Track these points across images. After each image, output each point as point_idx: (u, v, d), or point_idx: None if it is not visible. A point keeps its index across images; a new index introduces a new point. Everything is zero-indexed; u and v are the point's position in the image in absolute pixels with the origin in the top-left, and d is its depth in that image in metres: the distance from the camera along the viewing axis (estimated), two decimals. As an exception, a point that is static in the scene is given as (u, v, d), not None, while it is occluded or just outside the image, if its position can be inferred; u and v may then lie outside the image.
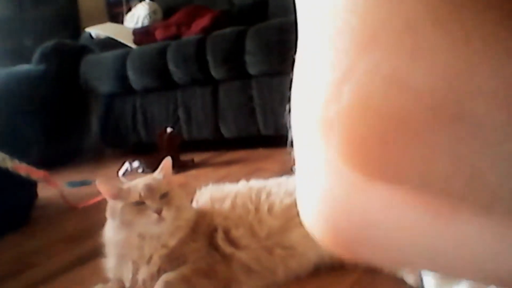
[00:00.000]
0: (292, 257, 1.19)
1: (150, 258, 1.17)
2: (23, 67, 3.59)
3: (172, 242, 1.18)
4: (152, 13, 3.81)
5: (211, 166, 2.83)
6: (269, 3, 3.67)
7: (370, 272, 1.17)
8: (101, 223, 1.24)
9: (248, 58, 2.95)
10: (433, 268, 0.39)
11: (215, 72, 3.09)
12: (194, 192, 1.35)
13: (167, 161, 1.24)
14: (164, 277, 1.12)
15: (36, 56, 3.58)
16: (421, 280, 0.86)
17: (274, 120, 2.96)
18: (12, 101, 3.34)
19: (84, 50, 3.66)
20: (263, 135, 3.04)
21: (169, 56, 3.20)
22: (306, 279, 1.18)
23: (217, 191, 1.33)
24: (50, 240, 1.83)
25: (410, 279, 1.06)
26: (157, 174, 1.23)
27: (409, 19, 0.24)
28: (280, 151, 2.85)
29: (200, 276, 1.13)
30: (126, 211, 1.16)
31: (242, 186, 1.35)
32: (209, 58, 3.07)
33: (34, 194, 2.17)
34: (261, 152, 2.97)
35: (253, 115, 3.03)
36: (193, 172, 2.67)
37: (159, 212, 1.14)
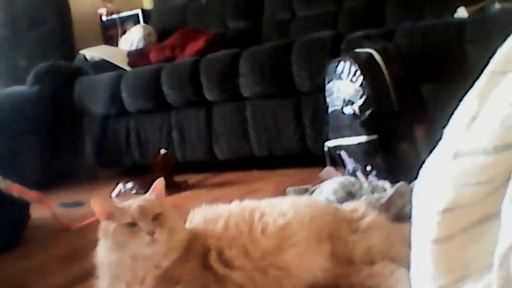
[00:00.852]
0: (286, 278, 1.18)
1: (144, 279, 1.16)
2: (17, 88, 3.60)
3: (165, 263, 1.17)
4: (146, 35, 3.84)
5: (205, 187, 2.83)
6: (263, 27, 3.71)
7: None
8: (94, 244, 1.23)
9: (241, 81, 2.97)
10: None
11: (209, 94, 3.11)
12: (188, 213, 1.35)
13: (160, 182, 1.24)
14: (157, 298, 1.11)
15: (30, 77, 3.59)
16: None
17: (268, 142, 2.98)
18: (6, 122, 3.34)
19: (78, 72, 3.67)
20: (257, 156, 3.05)
21: (164, 78, 3.22)
22: (300, 300, 1.18)
23: (210, 212, 1.32)
24: (43, 261, 1.82)
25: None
26: (150, 195, 1.23)
27: None
28: (274, 172, 2.86)
29: (193, 297, 1.13)
30: (118, 232, 1.16)
31: (235, 206, 1.35)
32: (203, 80, 3.09)
33: (27, 215, 2.16)
34: (255, 173, 2.97)
35: (247, 136, 3.04)
36: (186, 194, 2.67)
37: (151, 234, 1.14)
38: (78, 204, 2.61)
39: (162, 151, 2.84)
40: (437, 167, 0.84)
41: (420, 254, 0.84)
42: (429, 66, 2.37)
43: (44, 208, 2.21)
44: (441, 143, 0.85)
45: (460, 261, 0.77)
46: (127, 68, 3.52)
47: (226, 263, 1.19)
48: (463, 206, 0.77)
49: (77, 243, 1.94)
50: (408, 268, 0.91)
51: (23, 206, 2.13)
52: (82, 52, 3.86)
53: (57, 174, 3.43)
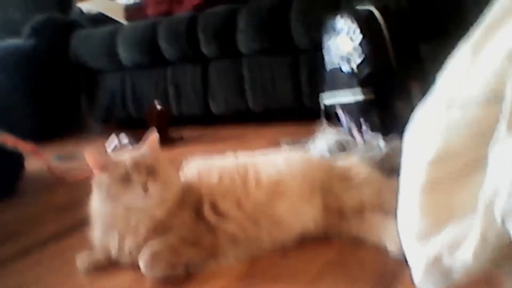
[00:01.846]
0: (278, 228, 1.20)
1: (136, 228, 1.17)
2: (13, 42, 3.56)
3: (159, 214, 1.18)
4: (143, -12, 3.78)
5: (200, 141, 2.83)
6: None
7: (354, 243, 1.18)
8: (88, 195, 1.23)
9: (239, 36, 2.95)
10: None
11: (206, 50, 3.09)
12: (182, 166, 1.35)
13: (154, 135, 1.24)
14: (150, 245, 1.12)
15: (26, 30, 3.55)
16: (403, 250, 0.87)
17: (264, 98, 2.97)
18: (1, 75, 3.32)
19: (74, 25, 3.63)
20: (253, 112, 3.05)
21: (160, 33, 3.19)
22: (291, 249, 1.19)
23: (205, 164, 1.33)
24: (37, 211, 1.83)
25: (393, 250, 1.08)
26: (144, 148, 1.23)
27: None
28: (269, 127, 2.86)
29: (186, 245, 1.14)
30: (112, 185, 1.16)
31: (229, 159, 1.35)
32: (200, 35, 3.07)
33: (21, 167, 2.16)
34: (250, 128, 2.97)
35: (243, 92, 3.03)
36: (181, 148, 2.67)
37: (145, 186, 1.14)
38: (73, 157, 2.61)
39: (158, 105, 2.83)
40: (428, 116, 0.84)
41: (407, 198, 0.85)
42: (429, 24, 2.34)
43: (39, 160, 2.21)
44: (433, 93, 0.85)
45: (446, 204, 0.78)
46: (124, 21, 3.49)
47: (219, 215, 1.20)
48: (452, 155, 0.78)
49: (71, 194, 1.95)
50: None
51: (18, 158, 2.13)
52: (78, 5, 3.82)
53: (52, 128, 3.43)
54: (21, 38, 3.57)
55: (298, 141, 2.04)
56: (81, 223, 1.28)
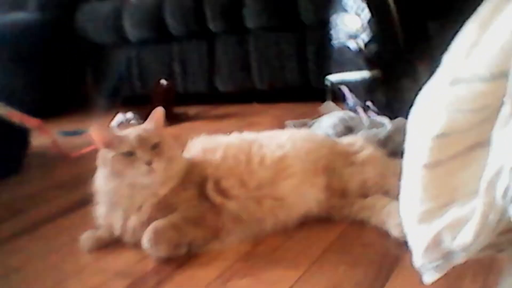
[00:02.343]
0: (281, 208, 1.20)
1: (141, 206, 1.18)
2: (19, 15, 3.54)
3: (163, 191, 1.19)
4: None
5: (205, 119, 2.83)
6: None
7: (357, 225, 1.18)
8: (93, 171, 1.24)
9: (246, 12, 2.92)
10: None
11: (212, 25, 3.06)
12: (186, 143, 1.35)
13: (159, 111, 1.24)
14: (154, 224, 1.13)
15: (32, 3, 3.53)
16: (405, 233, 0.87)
17: (270, 75, 2.95)
18: (7, 49, 3.30)
19: (81, -1, 3.60)
20: (258, 89, 3.03)
21: (167, 7, 3.16)
22: (294, 230, 1.20)
23: (209, 142, 1.33)
24: (42, 187, 1.84)
25: (395, 232, 1.08)
26: (148, 124, 1.23)
27: None
28: (275, 106, 2.85)
29: (189, 224, 1.14)
30: (116, 161, 1.16)
31: (234, 137, 1.35)
32: (207, 10, 3.04)
33: (27, 142, 2.16)
34: (255, 106, 2.97)
35: (248, 69, 3.01)
36: (186, 125, 2.67)
37: (149, 163, 1.14)
38: (78, 132, 2.62)
39: (163, 81, 2.82)
40: (433, 93, 0.84)
41: (410, 178, 0.85)
42: (438, 2, 2.31)
43: (44, 136, 2.21)
44: (439, 70, 0.84)
45: (448, 186, 0.78)
46: (130, -4, 3.46)
47: (223, 193, 1.20)
48: (456, 133, 0.78)
49: (76, 170, 1.96)
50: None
51: (23, 133, 2.13)
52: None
53: (57, 103, 3.42)
54: (27, 12, 3.55)
55: (303, 121, 2.03)
56: (86, 200, 1.29)
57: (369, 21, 2.04)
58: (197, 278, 1.05)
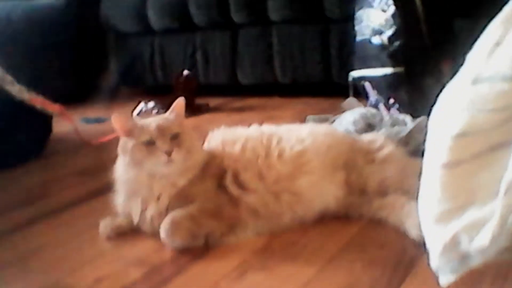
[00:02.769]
0: (299, 203, 1.20)
1: (159, 196, 1.19)
2: (44, 1, 3.57)
3: (181, 182, 1.19)
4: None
5: (226, 111, 2.83)
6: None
7: (374, 223, 1.17)
8: (114, 159, 1.25)
9: (270, 4, 2.91)
10: None
11: (236, 16, 3.06)
12: (206, 135, 1.35)
13: (180, 102, 1.24)
14: (172, 215, 1.14)
15: (58, -11, 3.54)
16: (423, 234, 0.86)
17: (292, 68, 2.94)
18: (32, 34, 3.33)
19: (105, -14, 3.62)
20: (280, 83, 3.03)
21: (191, -3, 3.16)
22: (311, 225, 1.19)
23: (229, 134, 1.33)
24: (62, 173, 1.86)
25: (413, 233, 1.07)
26: (169, 115, 1.23)
27: None
28: (296, 100, 2.84)
29: (206, 216, 1.15)
30: (136, 150, 1.17)
31: (254, 130, 1.35)
32: (231, 1, 3.03)
33: (49, 128, 2.18)
34: (276, 100, 2.96)
35: (271, 62, 3.00)
36: (207, 116, 2.68)
37: (169, 153, 1.15)
38: (99, 120, 2.64)
39: (185, 72, 2.83)
40: (455, 92, 0.83)
41: (429, 178, 0.84)
42: (465, 0, 2.28)
43: (66, 122, 2.23)
44: (462, 68, 0.83)
45: (467, 187, 0.77)
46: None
47: (241, 185, 1.21)
48: (476, 132, 0.77)
49: (97, 158, 1.97)
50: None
51: (46, 119, 2.15)
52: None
53: (80, 90, 3.45)
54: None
55: (324, 116, 2.02)
56: (106, 188, 1.30)
57: (393, 14, 2.02)
58: (213, 269, 1.06)
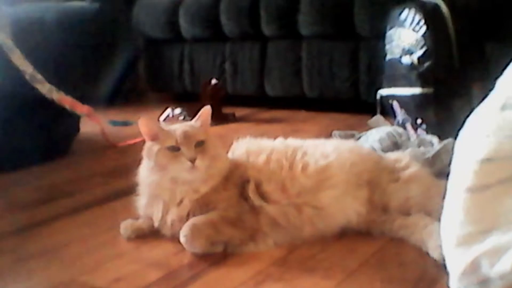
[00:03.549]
0: (320, 218, 1.19)
1: (181, 201, 1.20)
2: (77, 3, 3.62)
3: (204, 189, 1.20)
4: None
5: (252, 121, 2.84)
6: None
7: (396, 242, 1.16)
8: (138, 162, 1.26)
9: (301, 18, 2.93)
10: None
11: (266, 29, 3.07)
12: (231, 144, 1.36)
13: (206, 110, 1.25)
14: (192, 220, 1.14)
15: (91, -7, 3.60)
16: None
17: (320, 83, 2.94)
18: (63, 36, 3.37)
19: (139, -8, 3.67)
20: (308, 97, 3.03)
21: (223, 7, 3.19)
22: (331, 240, 1.19)
23: (254, 145, 1.33)
24: (86, 173, 1.89)
25: (434, 254, 1.06)
26: (195, 122, 1.24)
27: None
28: (322, 114, 2.84)
29: (227, 223, 1.15)
30: (161, 155, 1.18)
31: (279, 142, 1.35)
32: (262, 13, 3.06)
33: (76, 128, 2.21)
34: (303, 113, 2.96)
35: (299, 76, 3.01)
36: (233, 126, 2.69)
37: (193, 160, 1.16)
38: (126, 123, 2.67)
39: (213, 81, 2.85)
40: (483, 116, 0.82)
41: (453, 201, 0.84)
42: (497, 23, 2.26)
43: (93, 123, 2.26)
44: (491, 94, 0.83)
45: (492, 212, 0.77)
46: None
47: (263, 196, 1.21)
48: (503, 158, 0.76)
49: (122, 160, 2.00)
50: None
51: (73, 119, 2.18)
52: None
53: (109, 93, 3.49)
54: (86, 1, 3.63)
55: (350, 133, 2.02)
56: (129, 190, 1.31)
57: (423, 35, 2.01)
58: (231, 277, 1.05)
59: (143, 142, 1.24)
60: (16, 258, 1.18)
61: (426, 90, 2.03)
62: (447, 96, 2.00)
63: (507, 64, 0.86)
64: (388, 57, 2.21)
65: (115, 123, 2.71)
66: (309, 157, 1.26)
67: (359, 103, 2.77)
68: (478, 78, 2.01)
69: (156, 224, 1.23)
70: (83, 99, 2.20)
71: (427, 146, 1.72)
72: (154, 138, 1.21)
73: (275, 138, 1.38)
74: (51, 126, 2.02)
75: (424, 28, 2.02)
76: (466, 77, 2.02)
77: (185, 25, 3.34)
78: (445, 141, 1.67)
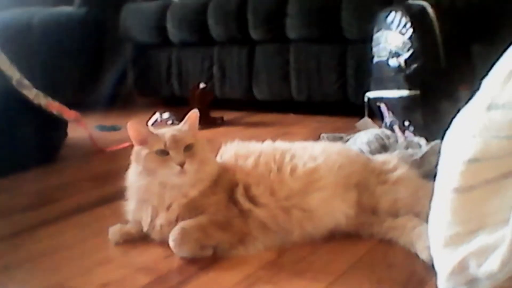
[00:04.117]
0: (309, 220, 1.19)
1: (170, 205, 1.20)
2: (65, 9, 3.61)
3: (193, 193, 1.20)
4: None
5: (240, 125, 2.84)
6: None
7: (384, 244, 1.17)
8: (126, 167, 1.26)
9: (288, 21, 2.93)
10: None
11: (254, 33, 3.08)
12: (220, 148, 1.36)
13: (193, 113, 1.25)
14: (181, 224, 1.14)
15: (78, -1, 3.60)
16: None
17: (308, 86, 2.95)
18: (51, 42, 3.37)
19: (126, -3, 3.66)
20: (296, 100, 3.03)
21: (210, 11, 3.19)
22: (320, 243, 1.19)
23: (242, 148, 1.33)
24: (74, 178, 1.88)
25: (423, 255, 1.06)
26: (183, 126, 1.24)
27: None
28: (311, 117, 2.85)
29: (216, 227, 1.15)
30: (150, 159, 1.18)
31: (267, 145, 1.35)
32: (250, 17, 3.06)
33: (64, 133, 2.20)
34: (291, 117, 2.97)
35: (287, 79, 3.02)
36: (221, 130, 2.69)
37: (181, 164, 1.16)
38: (114, 128, 2.66)
39: (201, 85, 2.85)
40: (469, 117, 0.83)
41: (440, 201, 0.84)
42: (483, 26, 2.28)
43: (81, 128, 2.25)
44: (477, 95, 0.83)
45: (478, 212, 0.77)
46: (175, -2, 3.51)
47: (252, 199, 1.21)
48: (489, 159, 0.77)
49: (110, 165, 1.99)
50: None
51: (61, 124, 2.17)
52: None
53: (96, 98, 3.48)
54: (73, 6, 3.61)
55: (338, 135, 2.02)
56: (117, 195, 1.31)
57: (410, 37, 2.03)
58: (221, 280, 1.05)
59: (131, 146, 1.24)
60: (2, 266, 1.17)
61: (413, 92, 2.04)
62: (434, 98, 2.02)
63: (492, 66, 0.86)
64: (375, 59, 2.22)
65: (102, 128, 2.70)
66: (298, 160, 1.26)
67: (347, 106, 2.77)
68: (465, 80, 2.02)
69: (145, 229, 1.22)
70: (70, 104, 2.19)
71: (415, 148, 1.73)
72: (143, 143, 1.20)
73: (263, 141, 1.38)
74: (39, 132, 2.01)
75: (410, 30, 2.03)
76: (453, 79, 2.03)
77: (172, 30, 3.34)
78: (433, 143, 1.68)
